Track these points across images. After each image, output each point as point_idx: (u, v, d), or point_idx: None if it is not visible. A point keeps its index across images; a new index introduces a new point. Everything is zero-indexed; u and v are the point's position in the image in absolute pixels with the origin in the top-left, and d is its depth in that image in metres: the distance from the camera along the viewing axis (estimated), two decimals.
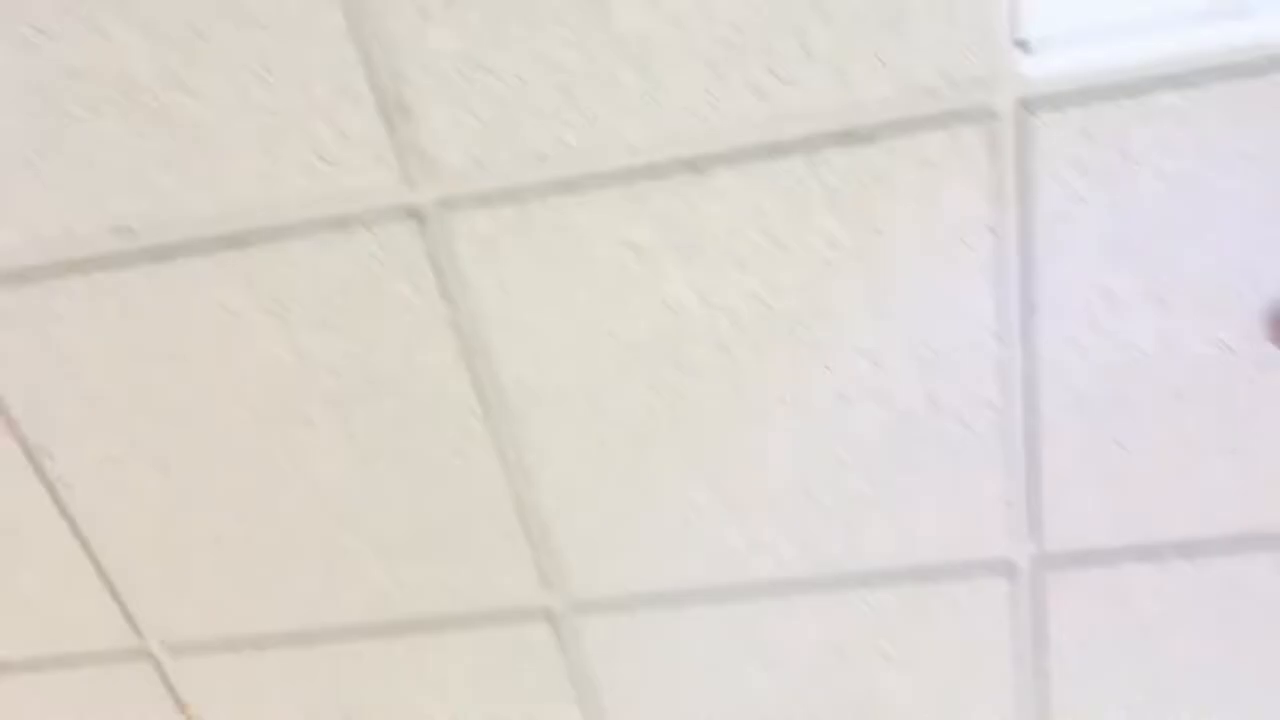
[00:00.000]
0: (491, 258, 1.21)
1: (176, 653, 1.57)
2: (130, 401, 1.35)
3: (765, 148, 1.11)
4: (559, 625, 1.50)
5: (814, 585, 1.42)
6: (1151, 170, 1.10)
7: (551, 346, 1.26)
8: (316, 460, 1.37)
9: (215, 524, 1.44)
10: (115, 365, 1.32)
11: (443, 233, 1.20)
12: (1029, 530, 1.35)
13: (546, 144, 1.13)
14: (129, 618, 1.54)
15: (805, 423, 1.29)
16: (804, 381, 1.26)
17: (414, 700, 1.59)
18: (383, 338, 1.27)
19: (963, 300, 1.19)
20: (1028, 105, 1.07)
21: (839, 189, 1.13)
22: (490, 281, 1.22)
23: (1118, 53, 1.03)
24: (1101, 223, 1.13)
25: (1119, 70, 1.04)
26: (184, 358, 1.31)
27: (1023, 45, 1.05)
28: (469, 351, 1.27)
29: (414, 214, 1.19)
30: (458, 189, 1.17)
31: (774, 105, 1.09)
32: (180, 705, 1.63)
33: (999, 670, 1.49)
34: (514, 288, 1.23)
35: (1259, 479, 1.29)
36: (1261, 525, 1.32)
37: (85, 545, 1.48)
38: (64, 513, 1.45)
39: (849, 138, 1.10)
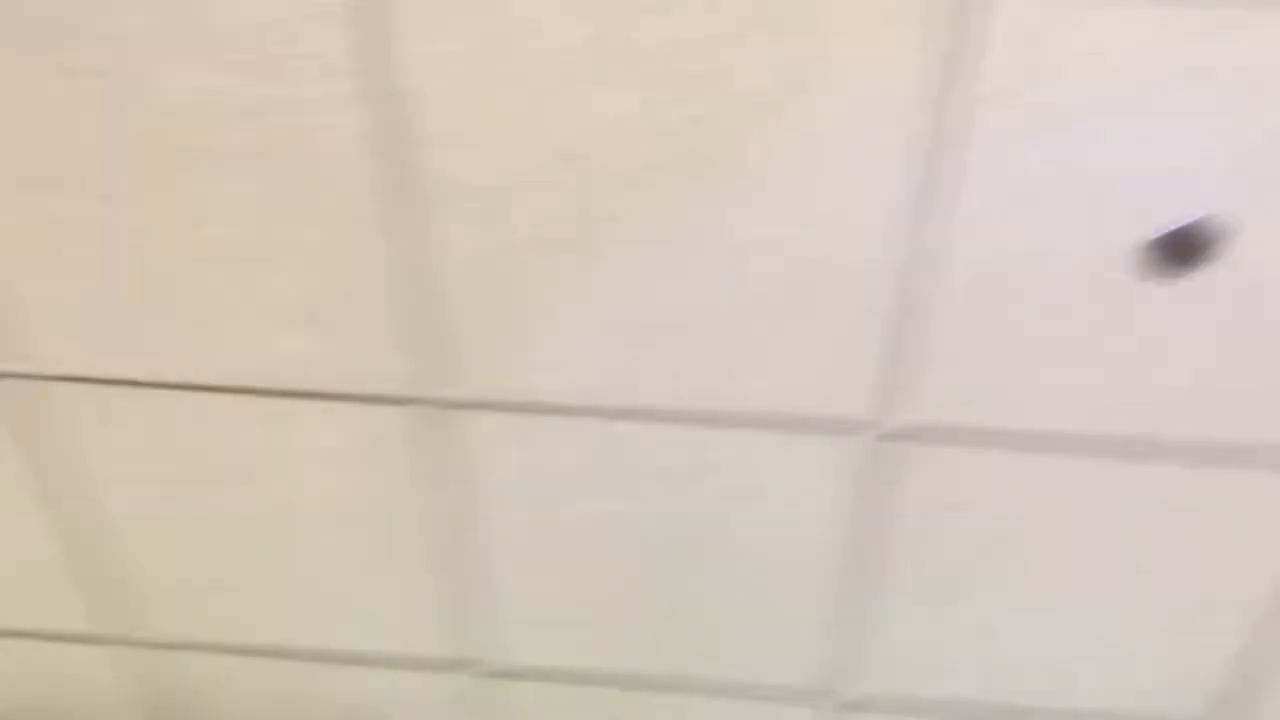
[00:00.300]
0: (431, 29, 1.17)
1: (49, 380, 1.54)
2: (22, 115, 1.28)
3: None
4: (434, 417, 1.52)
5: (684, 417, 1.48)
6: (1105, 69, 1.13)
7: (475, 136, 1.24)
8: (212, 208, 1.33)
9: (102, 255, 1.39)
10: (12, 76, 1.25)
11: None
12: (896, 398, 1.42)
13: None
14: (6, 336, 1.49)
15: (707, 258, 1.32)
16: (716, 218, 1.28)
17: (285, 463, 1.60)
18: (302, 92, 1.23)
19: (887, 162, 1.22)
20: None
21: (783, 27, 1.13)
22: (425, 53, 1.19)
23: None
24: (1042, 108, 1.16)
25: None
26: (85, 73, 1.24)
27: None
28: (390, 124, 1.25)
29: None
30: None
31: None
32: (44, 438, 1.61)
33: (837, 530, 1.59)
34: (450, 66, 1.19)
35: (1118, 389, 1.38)
36: (1111, 431, 1.42)
37: None
38: None
39: None
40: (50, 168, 1.32)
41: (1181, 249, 1.24)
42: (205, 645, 1.90)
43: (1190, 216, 1.21)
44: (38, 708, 2.07)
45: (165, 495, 1.67)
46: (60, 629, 1.89)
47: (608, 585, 1.72)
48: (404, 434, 1.55)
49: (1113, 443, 1.44)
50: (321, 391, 1.51)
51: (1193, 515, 1.50)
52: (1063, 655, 1.72)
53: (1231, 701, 1.73)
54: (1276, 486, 1.45)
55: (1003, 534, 1.56)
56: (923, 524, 1.57)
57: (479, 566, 1.71)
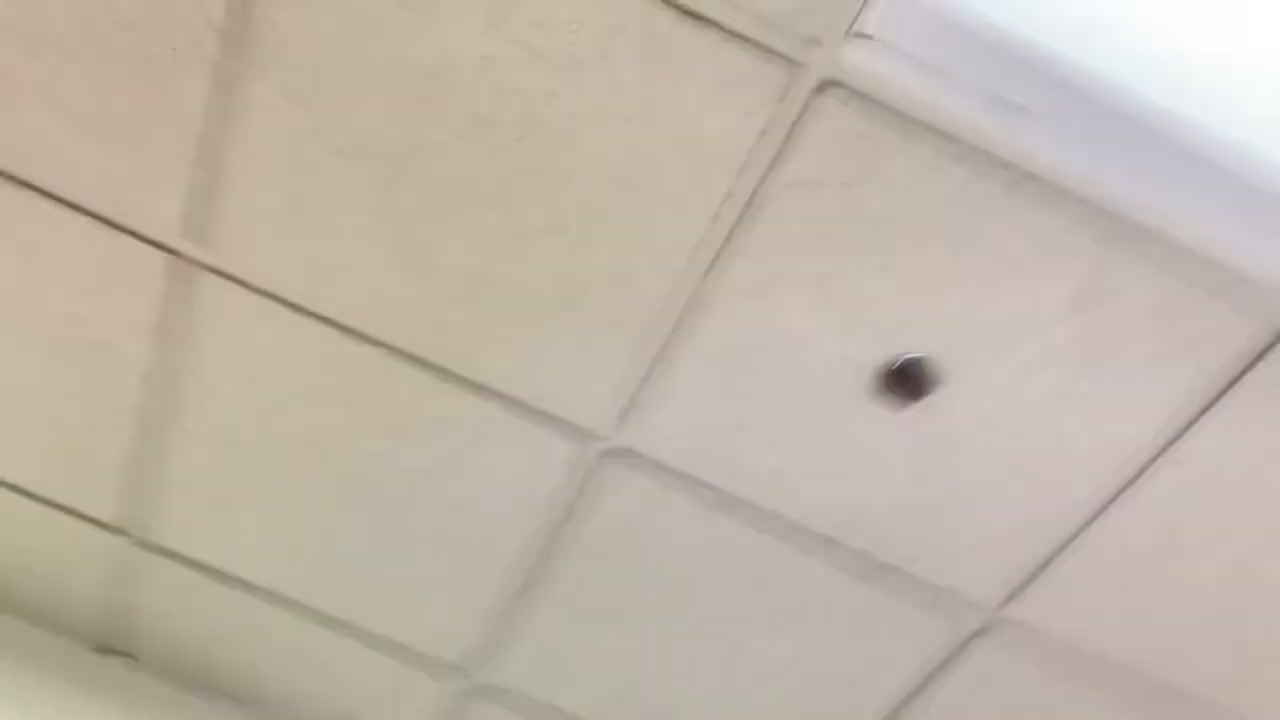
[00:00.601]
0: None
1: None
2: None
3: None
4: (185, 274, 1.47)
5: (430, 367, 1.49)
6: (881, 200, 1.23)
7: (321, 20, 1.23)
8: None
9: None
10: None
11: None
12: (627, 422, 1.49)
13: None
14: None
15: (505, 226, 1.34)
16: (530, 196, 1.31)
17: (18, 265, 1.51)
18: None
19: (685, 205, 1.28)
20: (827, 84, 1.16)
21: (651, 46, 1.17)
22: None
23: (915, 87, 1.15)
24: (819, 216, 1.26)
25: (907, 101, 1.16)
26: None
27: (861, 36, 1.14)
28: None
29: None
30: None
31: None
32: None
33: (529, 523, 1.63)
34: None
35: (818, 485, 1.49)
36: (799, 521, 1.53)
37: None
38: None
39: (685, 10, 1.14)
40: None
41: (905, 380, 1.36)
42: None
43: (916, 353, 1.34)
44: None
45: None
46: None
47: (294, 503, 1.70)
48: (148, 279, 1.49)
49: (796, 531, 1.55)
50: (84, 207, 1.43)
51: (838, 621, 1.63)
52: (688, 709, 1.82)
53: None
54: (913, 622, 1.60)
55: (670, 580, 1.65)
56: (604, 546, 1.63)
57: (172, 438, 1.66)
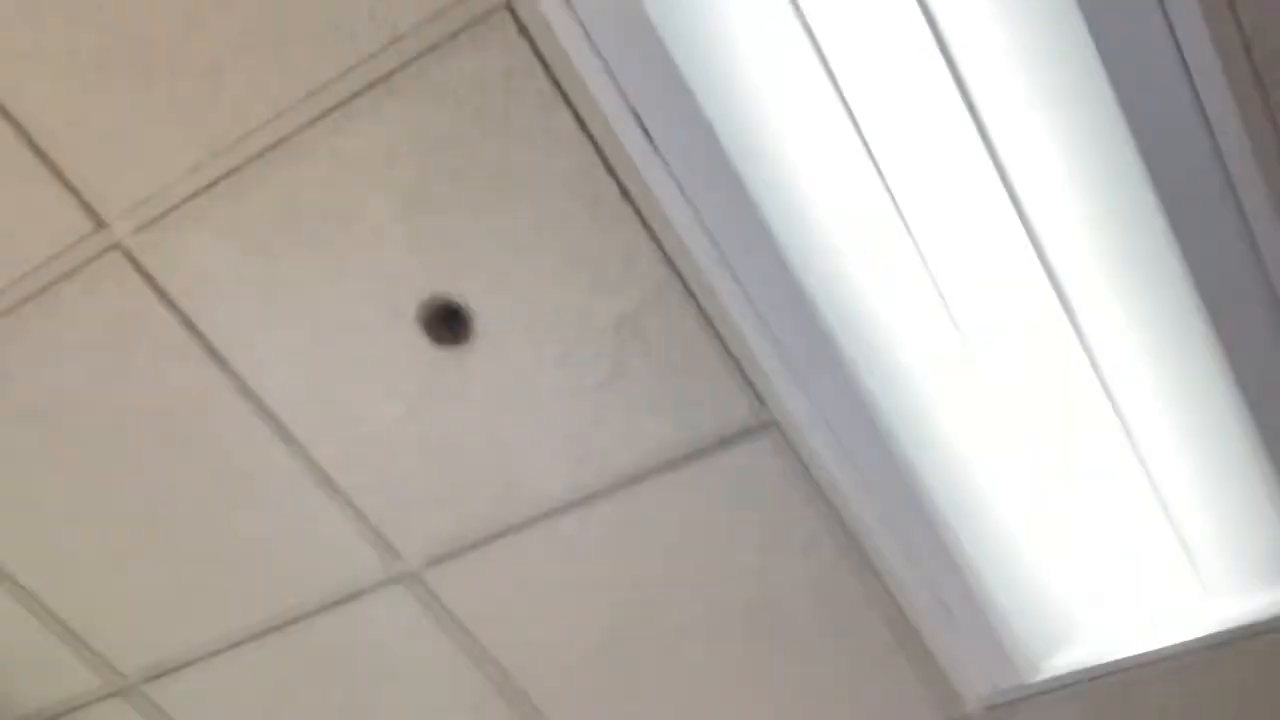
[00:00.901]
0: None
1: None
2: None
3: None
4: None
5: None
6: (499, 144, 1.25)
7: None
8: None
9: None
10: None
11: None
12: (145, 221, 1.37)
13: None
14: None
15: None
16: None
17: None
18: None
19: (327, 47, 1.23)
20: (504, 7, 1.17)
21: None
22: None
23: (575, 56, 1.18)
24: (440, 127, 1.25)
25: (561, 65, 1.19)
26: None
27: None
28: None
29: None
30: None
31: None
32: None
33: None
34: None
35: (321, 382, 1.45)
36: (279, 405, 1.48)
37: None
38: None
39: None
40: None
41: (441, 322, 1.36)
42: None
43: (461, 303, 1.35)
44: None
45: None
46: None
47: None
48: None
49: (275, 420, 1.48)
50: None
51: (284, 518, 1.58)
52: (77, 569, 1.67)
53: None
54: (352, 550, 1.58)
55: (125, 412, 1.51)
56: (67, 345, 1.47)
57: None
